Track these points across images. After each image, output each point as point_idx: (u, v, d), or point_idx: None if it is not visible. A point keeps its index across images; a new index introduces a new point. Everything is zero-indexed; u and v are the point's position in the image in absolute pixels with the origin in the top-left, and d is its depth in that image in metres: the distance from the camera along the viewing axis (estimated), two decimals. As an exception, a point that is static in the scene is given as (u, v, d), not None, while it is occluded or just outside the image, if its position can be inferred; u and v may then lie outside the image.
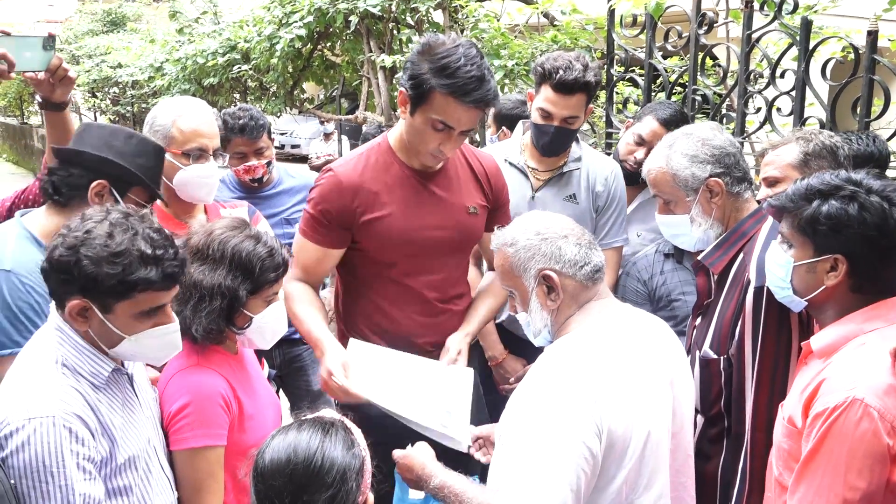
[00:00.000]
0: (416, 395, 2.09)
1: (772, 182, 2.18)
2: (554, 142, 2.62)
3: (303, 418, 1.58)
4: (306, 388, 3.20)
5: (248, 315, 1.95)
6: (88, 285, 1.55)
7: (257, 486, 1.50)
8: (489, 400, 2.52)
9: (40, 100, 2.23)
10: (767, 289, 1.84)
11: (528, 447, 1.53)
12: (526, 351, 2.72)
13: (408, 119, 2.11)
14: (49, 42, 2.10)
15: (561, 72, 2.49)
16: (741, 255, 1.98)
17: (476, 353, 2.65)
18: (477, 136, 5.01)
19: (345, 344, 2.22)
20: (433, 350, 2.24)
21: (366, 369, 2.11)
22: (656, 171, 2.09)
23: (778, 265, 1.74)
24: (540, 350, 1.76)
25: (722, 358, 1.96)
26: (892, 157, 2.52)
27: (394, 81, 5.10)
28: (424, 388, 2.12)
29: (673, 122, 2.84)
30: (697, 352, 2.03)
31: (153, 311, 1.63)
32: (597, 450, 1.52)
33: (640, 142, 2.86)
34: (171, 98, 2.68)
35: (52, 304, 1.65)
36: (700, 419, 2.05)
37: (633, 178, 2.84)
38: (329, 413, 1.63)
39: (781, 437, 1.69)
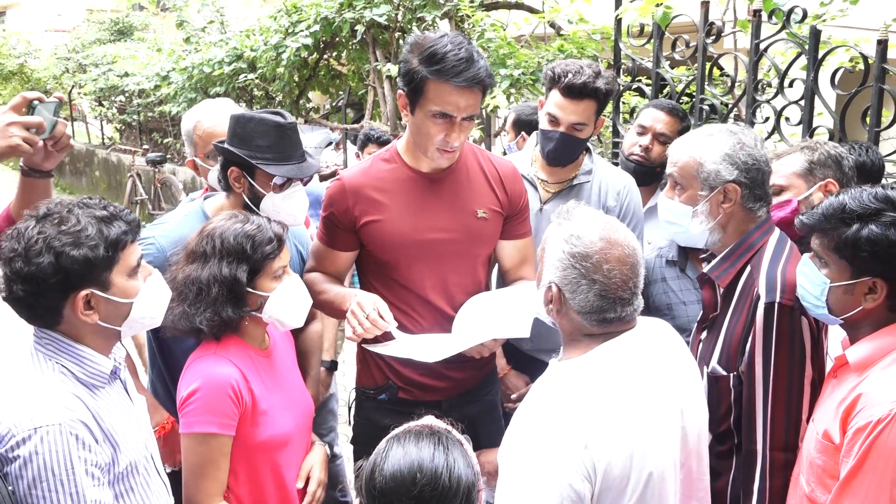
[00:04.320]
0: (446, 338, 2.13)
1: (777, 191, 2.17)
2: (559, 149, 2.55)
3: (412, 427, 1.50)
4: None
5: (261, 295, 1.98)
6: (83, 270, 1.54)
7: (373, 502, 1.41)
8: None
9: (24, 167, 1.97)
10: (778, 304, 1.81)
11: (517, 487, 1.51)
12: (530, 367, 2.68)
13: (410, 120, 2.14)
14: (59, 107, 1.93)
15: (570, 75, 2.45)
16: (748, 268, 1.94)
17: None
18: (483, 145, 5.00)
19: (361, 355, 2.27)
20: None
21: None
22: (685, 153, 1.98)
23: (812, 283, 1.71)
24: (544, 366, 1.72)
25: (732, 375, 1.92)
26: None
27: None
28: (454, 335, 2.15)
29: (671, 109, 2.87)
30: (705, 367, 1.99)
31: (138, 265, 1.66)
32: (585, 492, 1.49)
33: (643, 131, 2.87)
34: (199, 104, 2.74)
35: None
36: (709, 436, 2.01)
37: (644, 179, 2.81)
38: (434, 421, 1.55)
39: (815, 452, 1.66)
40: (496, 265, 2.50)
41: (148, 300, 1.68)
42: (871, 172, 2.34)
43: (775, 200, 2.16)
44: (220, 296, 1.93)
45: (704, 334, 2.06)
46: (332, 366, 2.95)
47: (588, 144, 2.66)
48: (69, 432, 1.50)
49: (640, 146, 2.84)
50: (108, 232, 1.57)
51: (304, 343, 2.54)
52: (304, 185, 2.33)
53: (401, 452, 1.41)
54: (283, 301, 2.02)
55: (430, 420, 1.54)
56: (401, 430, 1.50)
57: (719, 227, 1.97)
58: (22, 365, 1.61)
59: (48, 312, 1.58)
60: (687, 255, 2.53)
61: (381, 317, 2.03)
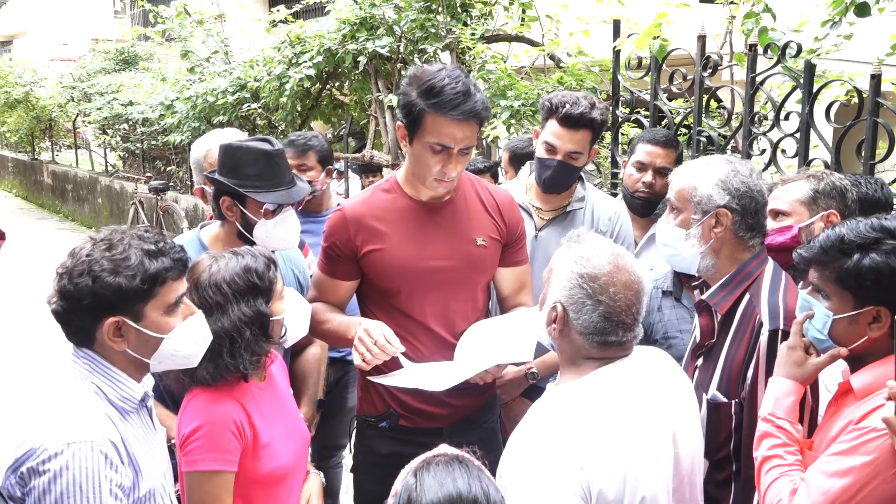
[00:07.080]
0: (450, 365, 2.15)
1: (776, 214, 2.19)
2: (556, 176, 2.63)
3: (436, 457, 1.46)
4: (340, 402, 3.22)
5: (279, 321, 2.00)
6: (115, 297, 1.58)
7: None
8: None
9: None
10: (782, 331, 1.83)
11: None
12: (537, 396, 2.68)
13: (409, 150, 2.18)
14: None
15: (567, 106, 2.54)
16: (746, 296, 1.97)
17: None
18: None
19: (362, 382, 2.29)
20: None
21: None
22: (682, 179, 2.05)
23: (815, 317, 1.71)
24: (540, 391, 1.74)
25: (733, 402, 1.93)
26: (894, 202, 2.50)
27: (401, 121, 5.15)
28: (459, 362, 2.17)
29: (662, 139, 2.91)
30: (704, 395, 2.00)
31: (178, 302, 1.68)
32: None
33: (641, 167, 2.91)
34: (209, 133, 2.82)
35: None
36: (705, 463, 2.01)
37: (646, 210, 2.86)
38: (450, 449, 1.52)
39: None
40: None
41: (182, 339, 1.69)
42: (882, 208, 2.30)
43: (776, 225, 2.19)
44: (254, 334, 1.93)
45: (700, 361, 2.08)
46: (321, 404, 2.93)
47: (581, 173, 2.73)
48: (100, 450, 1.53)
49: (644, 183, 2.89)
50: (149, 265, 1.61)
51: (303, 365, 2.56)
52: (296, 209, 2.36)
53: (436, 485, 1.38)
54: (294, 315, 2.05)
55: (445, 448, 1.51)
56: (423, 461, 1.45)
57: (712, 252, 2.01)
58: (58, 380, 1.65)
59: (82, 331, 1.63)
60: (682, 286, 2.56)
61: (389, 342, 2.05)
